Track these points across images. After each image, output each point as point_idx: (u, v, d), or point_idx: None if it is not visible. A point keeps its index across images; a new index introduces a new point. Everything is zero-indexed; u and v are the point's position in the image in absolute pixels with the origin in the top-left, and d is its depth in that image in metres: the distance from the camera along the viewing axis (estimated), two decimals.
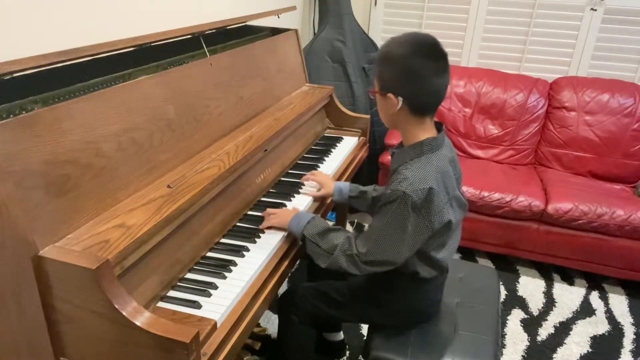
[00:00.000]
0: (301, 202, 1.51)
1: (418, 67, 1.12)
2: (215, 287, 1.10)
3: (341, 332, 1.84)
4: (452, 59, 1.16)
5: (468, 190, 2.33)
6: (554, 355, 1.94)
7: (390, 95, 1.15)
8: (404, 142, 1.24)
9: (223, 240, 1.28)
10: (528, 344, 1.98)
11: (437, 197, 1.13)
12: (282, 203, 1.48)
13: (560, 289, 2.33)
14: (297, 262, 1.47)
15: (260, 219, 1.38)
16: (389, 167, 2.48)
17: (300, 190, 1.58)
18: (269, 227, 1.34)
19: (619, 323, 2.13)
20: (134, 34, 1.21)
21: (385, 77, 1.17)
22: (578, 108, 2.62)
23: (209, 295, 1.07)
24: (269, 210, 1.38)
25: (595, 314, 2.18)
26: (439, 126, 1.24)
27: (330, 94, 2.06)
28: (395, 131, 2.65)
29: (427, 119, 1.19)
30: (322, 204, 1.59)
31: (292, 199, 1.52)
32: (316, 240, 1.25)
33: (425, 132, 1.19)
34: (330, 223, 1.40)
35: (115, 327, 0.88)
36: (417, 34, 1.16)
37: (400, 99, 1.15)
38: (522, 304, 2.22)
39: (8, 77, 0.91)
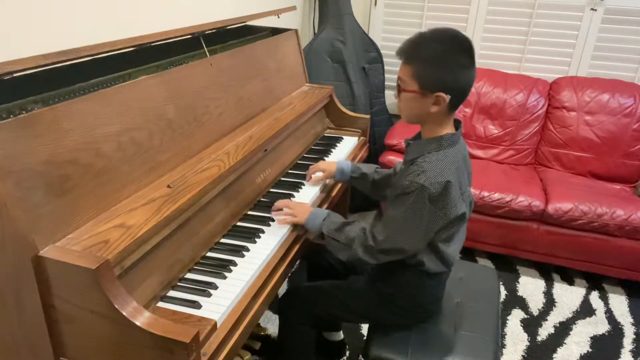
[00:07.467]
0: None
1: (464, 63, 1.15)
2: (215, 287, 1.10)
3: (341, 332, 1.84)
4: None
5: None
6: (554, 355, 1.94)
7: (439, 93, 1.15)
8: (423, 135, 1.25)
9: (223, 240, 1.29)
10: (528, 344, 1.98)
11: (453, 189, 1.16)
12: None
13: (560, 289, 2.33)
14: (297, 262, 1.47)
15: (261, 219, 1.38)
16: (389, 167, 2.47)
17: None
18: (268, 226, 1.35)
19: (619, 323, 2.13)
20: (134, 34, 1.21)
21: (432, 76, 1.16)
22: (578, 108, 2.62)
23: (209, 295, 1.07)
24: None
25: (595, 314, 2.18)
26: (456, 123, 1.26)
27: (330, 94, 2.06)
28: (396, 131, 2.66)
29: (453, 114, 1.22)
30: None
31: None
32: (334, 236, 1.29)
33: (447, 127, 1.22)
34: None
35: (115, 327, 0.88)
36: (448, 29, 1.17)
37: (449, 96, 1.16)
38: (522, 304, 2.22)
39: (8, 77, 0.91)
